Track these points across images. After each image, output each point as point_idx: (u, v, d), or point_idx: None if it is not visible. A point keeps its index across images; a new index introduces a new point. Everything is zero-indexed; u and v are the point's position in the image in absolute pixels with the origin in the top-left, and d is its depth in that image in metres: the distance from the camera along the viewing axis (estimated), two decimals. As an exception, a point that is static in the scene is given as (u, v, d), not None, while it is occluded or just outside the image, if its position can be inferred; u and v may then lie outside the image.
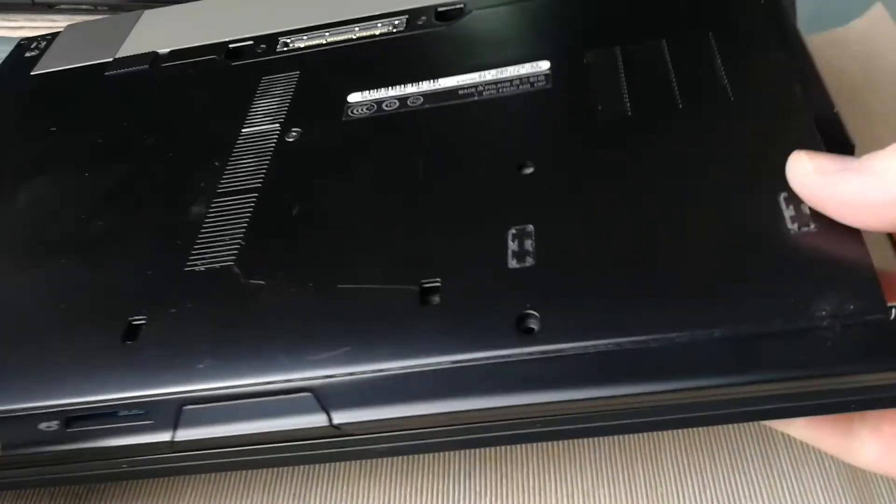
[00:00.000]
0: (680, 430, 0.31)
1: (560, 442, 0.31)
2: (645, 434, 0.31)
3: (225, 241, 0.29)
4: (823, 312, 0.22)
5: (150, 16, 0.47)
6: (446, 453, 0.32)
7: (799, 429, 0.26)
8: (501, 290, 0.25)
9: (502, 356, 0.23)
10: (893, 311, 0.21)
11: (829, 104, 0.27)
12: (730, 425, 0.31)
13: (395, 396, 0.24)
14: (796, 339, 0.22)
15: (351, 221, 0.28)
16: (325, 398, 0.24)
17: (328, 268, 0.27)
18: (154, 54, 0.42)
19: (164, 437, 0.25)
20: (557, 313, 0.23)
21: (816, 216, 0.24)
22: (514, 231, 0.26)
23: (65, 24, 0.48)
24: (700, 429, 0.31)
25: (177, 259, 0.29)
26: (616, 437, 0.30)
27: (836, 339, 0.21)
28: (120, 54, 0.43)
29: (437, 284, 0.25)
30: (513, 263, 0.25)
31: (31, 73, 0.44)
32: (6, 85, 0.44)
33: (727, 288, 0.23)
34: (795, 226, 0.24)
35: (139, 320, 0.27)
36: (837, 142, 0.27)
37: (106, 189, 0.34)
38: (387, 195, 0.29)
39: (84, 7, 0.53)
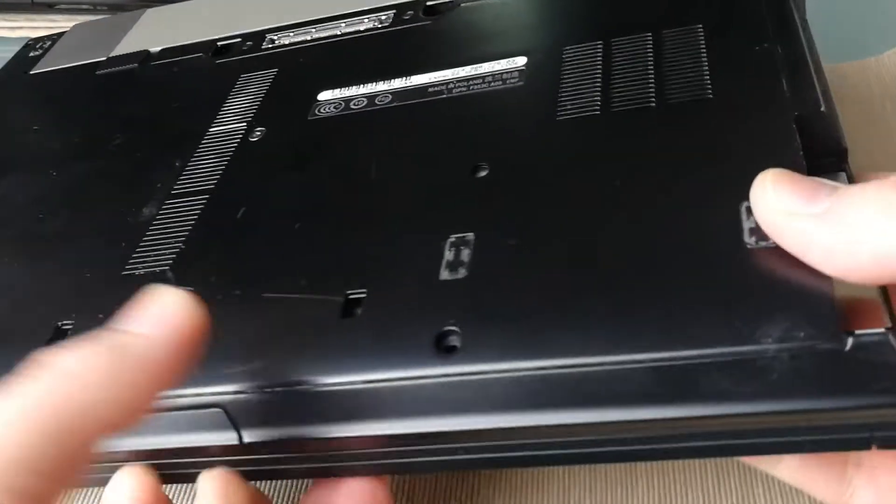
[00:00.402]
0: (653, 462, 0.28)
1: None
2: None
3: (168, 244, 0.28)
4: (770, 339, 0.19)
5: (151, 14, 0.47)
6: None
7: (785, 470, 0.23)
8: (426, 303, 0.23)
9: (418, 376, 0.21)
10: (850, 340, 0.18)
11: (815, 102, 0.25)
12: (707, 460, 0.28)
13: (308, 416, 0.22)
14: (737, 368, 0.19)
15: (292, 226, 0.27)
16: (235, 415, 0.23)
17: (259, 275, 0.26)
18: (146, 53, 0.42)
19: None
20: (480, 331, 0.21)
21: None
22: (453, 239, 0.24)
23: (64, 23, 0.48)
24: (675, 462, 0.28)
25: (118, 262, 0.28)
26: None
27: (783, 371, 0.19)
28: (115, 53, 0.43)
29: (363, 295, 0.23)
30: (444, 274, 0.23)
31: (31, 73, 0.44)
32: (5, 84, 0.44)
33: (664, 309, 0.20)
34: (753, 239, 0.21)
35: (67, 325, 0.26)
36: (824, 144, 0.24)
37: (68, 188, 0.33)
38: (333, 198, 0.28)
39: (84, 7, 0.53)
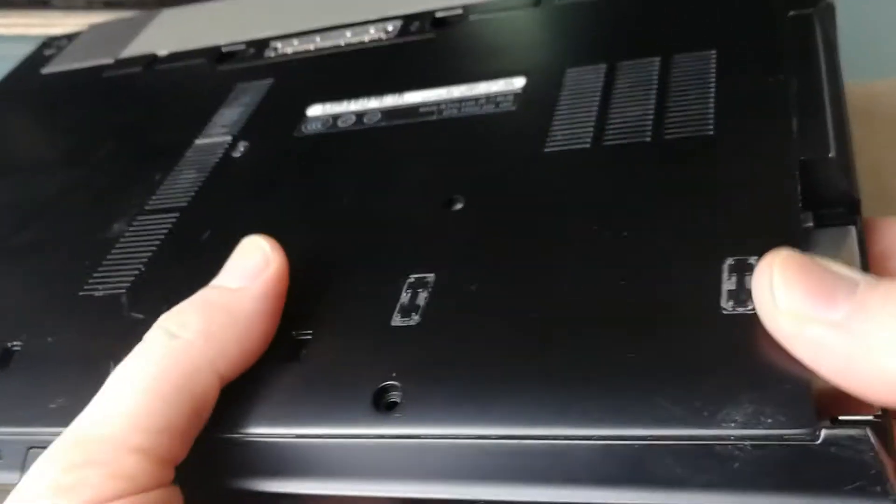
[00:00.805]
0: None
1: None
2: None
3: (129, 265, 0.27)
4: (732, 423, 0.16)
5: (167, 15, 0.46)
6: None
7: None
8: (372, 351, 0.21)
9: (353, 434, 0.19)
10: (823, 432, 0.16)
11: (825, 146, 0.22)
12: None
13: (236, 466, 0.20)
14: (694, 453, 0.17)
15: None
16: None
17: (210, 305, 0.24)
18: (152, 56, 0.41)
19: (13, 478, 0.23)
20: (421, 389, 0.19)
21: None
22: (412, 280, 0.22)
23: (58, 20, 0.47)
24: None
25: (78, 281, 0.27)
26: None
27: (745, 461, 0.16)
28: (124, 55, 0.42)
29: (308, 337, 0.22)
30: (396, 319, 0.21)
31: (41, 72, 0.43)
32: (17, 83, 0.43)
33: (620, 381, 0.18)
34: (730, 304, 0.19)
35: (16, 346, 0.25)
36: (832, 194, 0.22)
37: (49, 197, 0.32)
38: (298, 225, 0.26)
39: (78, 3, 0.52)
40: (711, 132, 0.24)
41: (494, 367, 0.19)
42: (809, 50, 0.26)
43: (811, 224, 0.22)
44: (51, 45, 0.46)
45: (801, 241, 0.20)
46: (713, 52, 0.27)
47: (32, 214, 0.31)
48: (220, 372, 0.20)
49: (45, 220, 0.31)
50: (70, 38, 0.47)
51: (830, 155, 0.22)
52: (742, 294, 0.19)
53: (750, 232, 0.20)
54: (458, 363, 0.20)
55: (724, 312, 0.18)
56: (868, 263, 0.21)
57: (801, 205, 0.20)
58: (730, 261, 0.19)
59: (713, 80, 0.26)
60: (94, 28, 0.47)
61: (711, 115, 0.24)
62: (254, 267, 0.22)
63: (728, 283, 0.19)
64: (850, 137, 0.24)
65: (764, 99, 0.24)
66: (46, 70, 0.43)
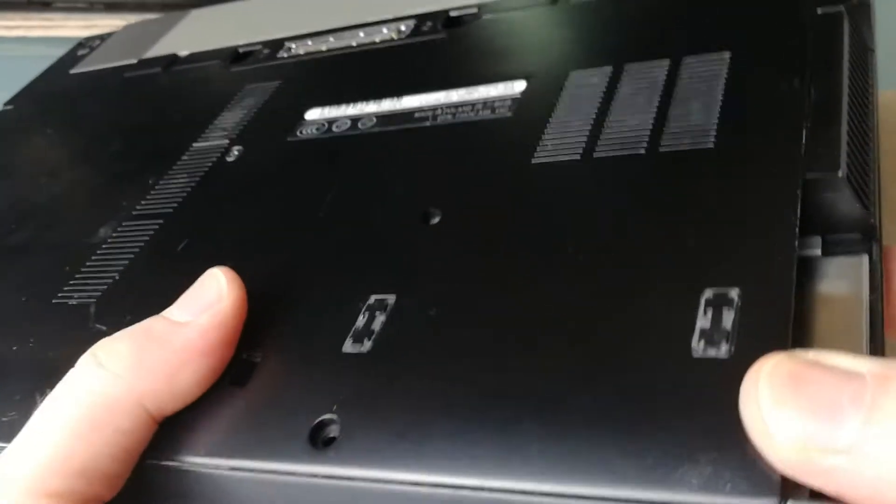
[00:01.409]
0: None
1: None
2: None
3: (106, 272, 0.26)
4: (686, 487, 0.14)
5: (195, 15, 0.45)
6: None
7: None
8: (317, 380, 0.19)
9: (286, 471, 0.18)
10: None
11: (834, 164, 0.19)
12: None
13: (170, 497, 0.19)
14: (641, 518, 0.15)
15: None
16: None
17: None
18: (173, 57, 0.40)
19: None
20: (359, 426, 0.18)
21: (740, 336, 0.16)
22: (372, 301, 0.21)
23: (60, 22, 0.47)
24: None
25: (55, 287, 0.26)
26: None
27: (699, 532, 0.14)
28: (147, 55, 0.42)
29: (257, 360, 0.20)
30: (347, 345, 0.20)
31: (71, 72, 0.44)
32: (45, 83, 0.44)
33: (567, 429, 0.16)
34: (701, 345, 0.16)
35: (-15, 353, 0.25)
36: (842, 218, 0.19)
37: (48, 198, 0.32)
38: (272, 237, 0.25)
39: (79, 5, 0.52)
40: (711, 145, 0.21)
41: (437, 406, 0.17)
42: (832, 52, 0.23)
43: (818, 252, 0.19)
44: (84, 46, 0.47)
45: (793, 271, 0.17)
46: (727, 53, 0.24)
47: (27, 215, 0.31)
48: (148, 409, 0.19)
49: (38, 221, 0.30)
50: (103, 38, 0.47)
51: (840, 174, 0.19)
52: (716, 334, 0.16)
53: (737, 260, 0.18)
54: (401, 400, 0.18)
55: (694, 355, 0.16)
56: (885, 299, 0.18)
57: (797, 230, 0.18)
58: (708, 293, 0.17)
59: (722, 85, 0.23)
60: (126, 28, 0.47)
61: (714, 126, 0.22)
62: (205, 301, 0.20)
63: (703, 320, 0.17)
64: (876, 154, 0.21)
65: (774, 108, 0.22)
66: (75, 70, 0.44)
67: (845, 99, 0.21)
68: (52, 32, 0.47)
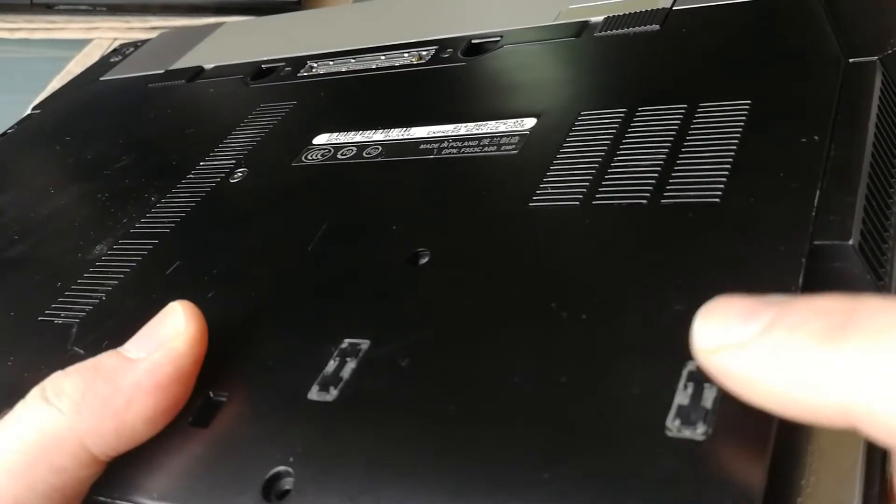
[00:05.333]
0: None
1: None
2: None
3: (93, 292, 0.25)
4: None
5: (227, 28, 0.45)
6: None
7: None
8: (275, 428, 0.18)
9: (233, 523, 0.17)
10: None
11: (845, 232, 0.18)
12: None
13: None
14: None
15: (206, 294, 0.23)
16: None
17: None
18: (199, 69, 0.40)
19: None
20: (313, 482, 0.17)
21: (720, 418, 0.15)
22: (345, 345, 0.20)
23: (63, 25, 0.47)
24: None
25: (44, 303, 0.26)
26: None
27: None
28: (175, 66, 0.42)
29: (223, 399, 0.20)
30: (313, 392, 0.19)
31: (100, 79, 0.44)
32: (73, 89, 0.44)
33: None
34: (677, 423, 0.15)
35: (-34, 369, 0.24)
36: (848, 289, 0.18)
37: (53, 210, 0.31)
38: (258, 268, 0.24)
39: (82, 7, 0.52)
40: (717, 199, 0.20)
41: (393, 466, 0.16)
42: (859, 107, 0.21)
43: (823, 323, 0.18)
44: (120, 52, 0.47)
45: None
46: (746, 102, 0.23)
47: (31, 227, 0.31)
48: (90, 449, 0.18)
49: (40, 233, 0.30)
50: (137, 45, 0.47)
51: (851, 242, 0.18)
52: (693, 413, 0.15)
53: (728, 331, 0.16)
54: (358, 456, 0.17)
55: (668, 433, 0.15)
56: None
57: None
58: (691, 366, 0.16)
59: (737, 136, 0.22)
60: (161, 36, 0.48)
61: (723, 179, 0.20)
62: (161, 337, 0.19)
63: (681, 395, 0.15)
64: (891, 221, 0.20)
65: (789, 164, 0.20)
66: (105, 77, 0.44)
67: (867, 159, 0.20)
68: (54, 35, 0.47)
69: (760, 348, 0.13)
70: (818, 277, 0.18)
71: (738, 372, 0.14)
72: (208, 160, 0.31)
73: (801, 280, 0.17)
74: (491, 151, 0.25)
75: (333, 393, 0.19)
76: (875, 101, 0.22)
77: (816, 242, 0.18)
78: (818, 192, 0.19)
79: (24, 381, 0.23)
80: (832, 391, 0.13)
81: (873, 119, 0.21)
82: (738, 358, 0.14)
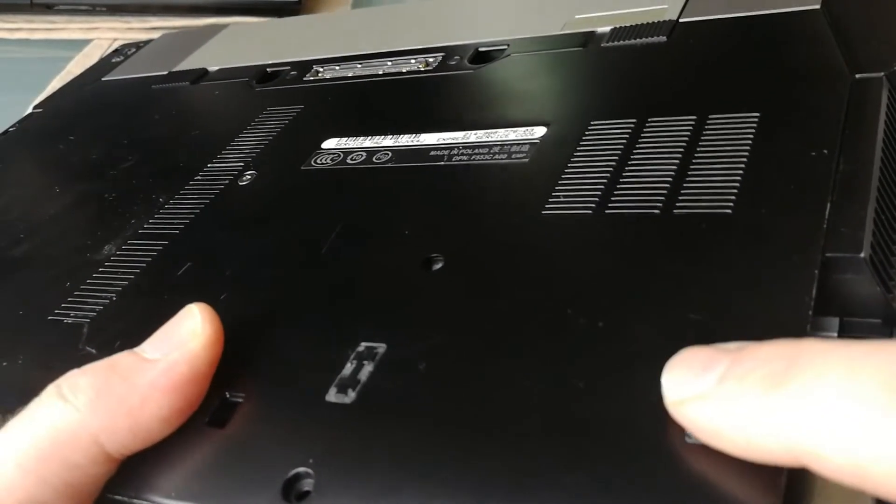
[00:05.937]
0: None
1: None
2: None
3: (103, 292, 0.25)
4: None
5: (232, 30, 0.45)
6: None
7: None
8: (294, 429, 0.19)
9: (253, 524, 0.17)
10: None
11: (857, 244, 0.18)
12: None
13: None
14: None
15: (218, 296, 0.23)
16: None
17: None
18: (203, 71, 0.40)
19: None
20: (334, 482, 0.17)
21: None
22: (361, 348, 0.20)
23: (63, 25, 0.47)
24: None
25: (53, 302, 0.26)
26: None
27: None
28: (178, 68, 0.42)
29: (239, 400, 0.20)
30: (331, 395, 0.19)
31: (102, 80, 0.44)
32: (75, 88, 0.44)
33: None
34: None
35: (-25, 367, 0.24)
36: (863, 302, 0.18)
37: (59, 209, 0.31)
38: (270, 271, 0.24)
39: (82, 7, 0.52)
40: (729, 210, 0.20)
41: (414, 468, 0.17)
42: (866, 122, 0.22)
43: (834, 334, 0.18)
44: (120, 53, 0.47)
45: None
46: (756, 115, 0.23)
47: (37, 226, 0.31)
48: (105, 446, 0.18)
49: (47, 233, 0.30)
50: (139, 46, 0.47)
51: (862, 255, 0.18)
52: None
53: (743, 340, 0.17)
54: (378, 458, 0.17)
55: (687, 440, 0.15)
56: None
57: (811, 311, 0.17)
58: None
59: (747, 148, 0.22)
60: (163, 37, 0.48)
61: (734, 191, 0.21)
62: (178, 338, 0.20)
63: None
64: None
65: (799, 177, 0.21)
66: (107, 77, 0.44)
67: (875, 173, 0.20)
68: (54, 35, 0.47)
69: (717, 399, 0.14)
70: (830, 288, 0.18)
71: (703, 423, 0.14)
72: (216, 162, 0.31)
73: (814, 291, 0.17)
74: (502, 159, 0.26)
75: (352, 395, 0.19)
76: (882, 117, 0.22)
77: (828, 255, 0.18)
78: (829, 205, 0.19)
79: (35, 380, 0.23)
80: (780, 434, 0.13)
81: (880, 134, 0.22)
82: (701, 410, 0.14)
